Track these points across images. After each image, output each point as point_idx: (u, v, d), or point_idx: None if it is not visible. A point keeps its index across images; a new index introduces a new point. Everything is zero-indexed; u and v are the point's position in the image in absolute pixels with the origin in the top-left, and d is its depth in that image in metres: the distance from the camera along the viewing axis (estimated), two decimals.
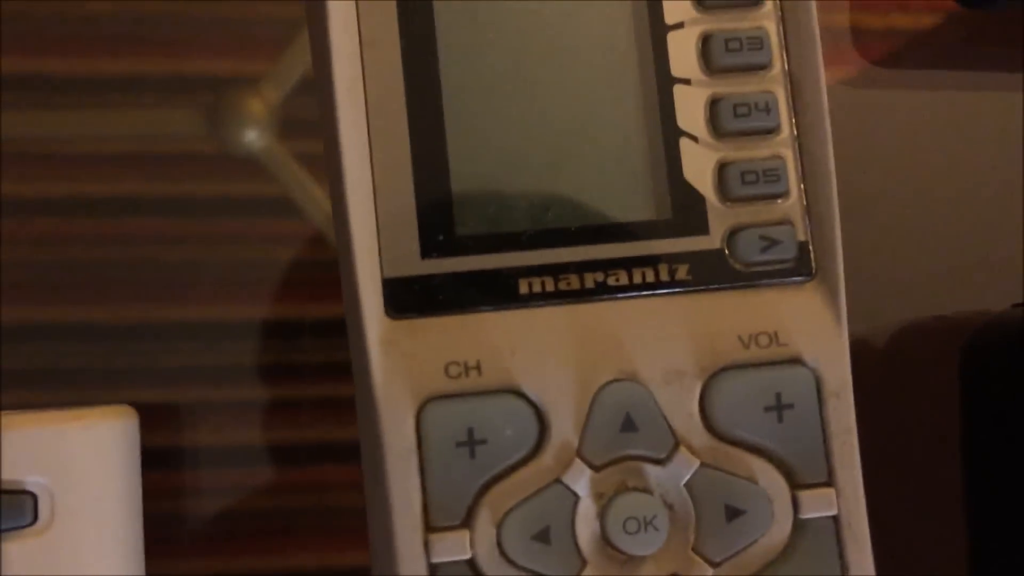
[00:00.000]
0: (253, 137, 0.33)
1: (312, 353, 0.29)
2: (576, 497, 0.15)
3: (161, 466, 0.29)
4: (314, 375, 0.29)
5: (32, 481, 0.15)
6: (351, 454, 0.27)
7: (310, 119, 0.29)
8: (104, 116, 0.31)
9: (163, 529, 0.27)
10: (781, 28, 0.17)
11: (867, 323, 0.28)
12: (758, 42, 0.16)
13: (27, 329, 0.28)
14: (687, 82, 0.16)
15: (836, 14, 0.30)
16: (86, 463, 0.15)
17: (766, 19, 0.16)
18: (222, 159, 0.34)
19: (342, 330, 0.27)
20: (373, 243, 0.16)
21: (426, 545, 0.15)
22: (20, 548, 0.15)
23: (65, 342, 0.29)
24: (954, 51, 0.30)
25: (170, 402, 0.29)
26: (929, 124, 0.30)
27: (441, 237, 0.16)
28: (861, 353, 0.26)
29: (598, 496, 0.15)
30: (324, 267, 0.32)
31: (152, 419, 0.29)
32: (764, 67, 0.16)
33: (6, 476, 0.15)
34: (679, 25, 0.16)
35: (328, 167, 0.16)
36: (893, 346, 0.26)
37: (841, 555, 0.16)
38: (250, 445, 0.29)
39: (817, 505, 0.16)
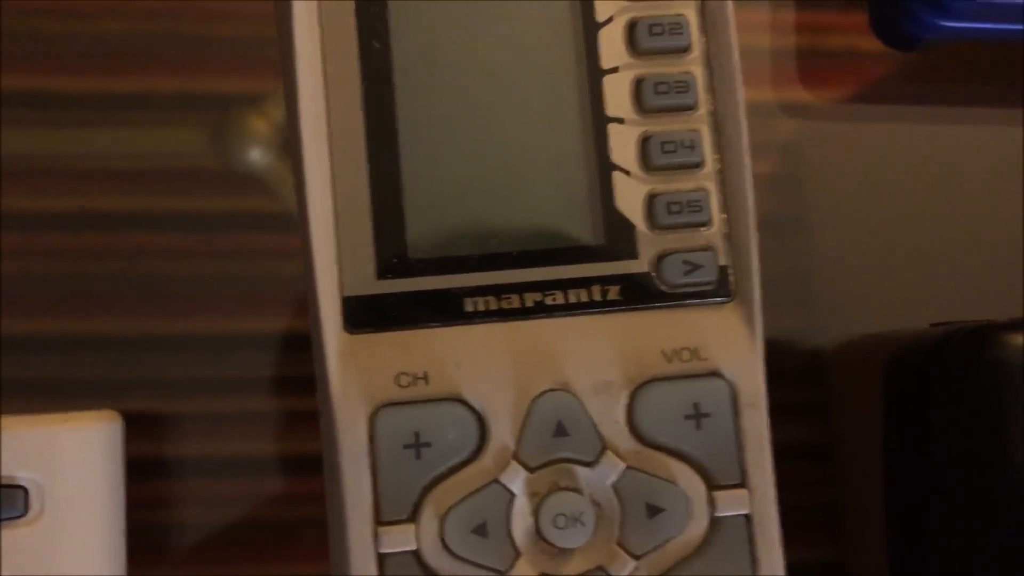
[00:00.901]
0: (257, 155, 0.34)
1: (301, 368, 0.30)
2: (512, 495, 0.17)
3: (165, 475, 0.30)
4: (314, 388, 0.31)
5: (24, 476, 0.17)
6: None
7: None
8: (113, 133, 0.32)
9: (165, 537, 0.29)
10: (707, 72, 0.18)
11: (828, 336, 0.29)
12: (685, 86, 0.18)
13: (35, 340, 0.29)
14: (620, 121, 0.18)
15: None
16: (74, 461, 0.17)
17: (692, 64, 0.18)
18: (226, 176, 0.35)
19: None
20: (333, 264, 0.17)
21: (375, 537, 0.17)
22: (13, 537, 0.17)
23: (72, 353, 0.29)
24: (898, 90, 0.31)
25: (175, 413, 0.30)
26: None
27: (395, 260, 0.17)
28: (814, 363, 0.28)
29: (532, 495, 0.17)
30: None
31: (157, 429, 0.30)
32: (690, 108, 0.18)
33: (2, 472, 0.17)
34: (614, 69, 0.18)
35: (296, 195, 0.18)
36: (838, 360, 0.27)
37: (752, 550, 0.17)
38: (253, 456, 0.30)
39: (731, 504, 0.17)
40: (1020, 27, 0.24)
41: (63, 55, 0.32)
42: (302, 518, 0.30)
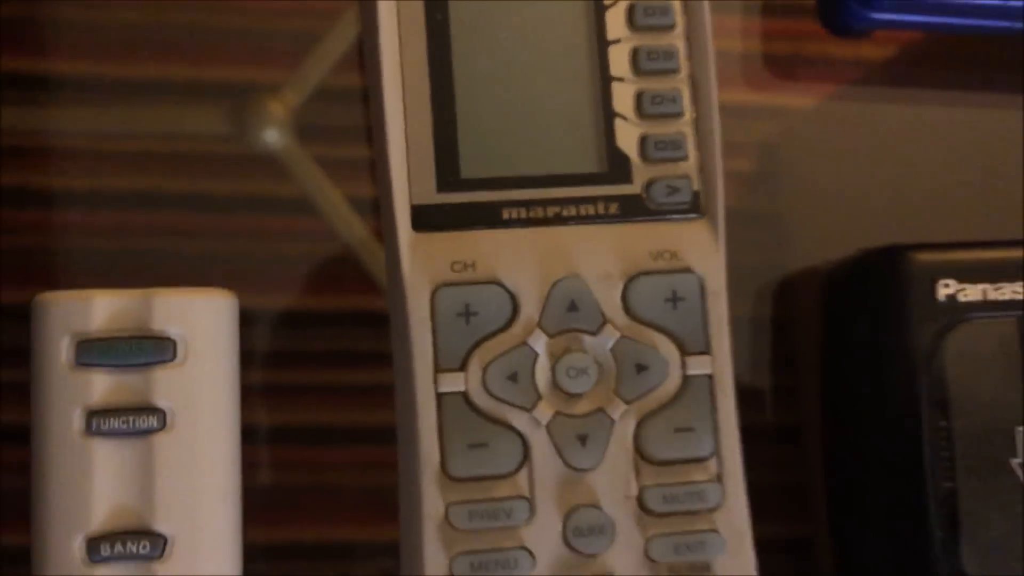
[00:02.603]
0: (274, 136, 0.37)
1: (317, 342, 0.32)
2: (536, 354, 0.23)
3: None
4: (318, 363, 0.32)
5: (173, 331, 0.23)
6: (350, 437, 0.32)
7: (327, 124, 0.36)
8: (133, 115, 0.34)
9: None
10: (687, 45, 0.24)
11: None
12: (670, 54, 0.24)
13: None
14: (621, 79, 0.24)
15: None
16: (208, 320, 0.23)
17: (677, 39, 0.24)
18: (240, 158, 0.37)
19: (346, 321, 0.32)
20: (405, 181, 0.23)
21: (435, 381, 0.22)
22: (165, 377, 0.22)
23: None
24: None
25: None
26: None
27: (451, 178, 0.23)
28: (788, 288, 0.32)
29: (551, 354, 0.23)
30: (333, 262, 0.36)
31: None
32: (674, 71, 0.24)
33: (155, 327, 0.22)
34: (617, 40, 0.24)
35: (374, 132, 0.24)
36: (798, 288, 0.33)
37: (712, 400, 0.23)
38: (257, 426, 0.31)
39: (698, 366, 0.23)
40: (946, 20, 0.30)
41: (86, 42, 0.34)
42: (300, 485, 0.32)
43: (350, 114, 0.36)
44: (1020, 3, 0.29)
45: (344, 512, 0.32)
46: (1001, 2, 0.28)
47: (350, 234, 0.35)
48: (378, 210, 0.29)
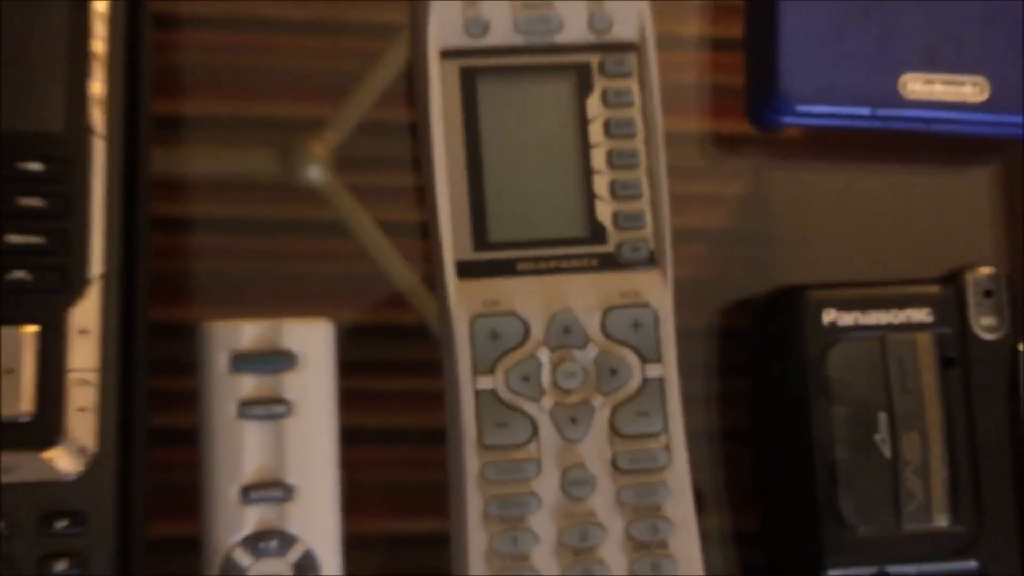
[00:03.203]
0: (316, 173, 0.43)
1: (348, 352, 0.35)
2: (541, 363, 0.33)
3: None
4: (349, 371, 0.35)
5: (295, 348, 0.33)
6: (373, 438, 0.39)
7: (362, 157, 0.42)
8: (195, 152, 0.40)
9: None
10: (645, 148, 0.35)
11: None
12: (634, 154, 0.35)
13: None
14: (599, 172, 0.35)
15: None
16: (317, 340, 0.33)
17: (640, 143, 0.35)
18: (286, 188, 0.43)
19: (376, 334, 0.41)
20: (452, 243, 0.34)
21: (473, 381, 0.33)
22: (290, 379, 0.33)
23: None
24: None
25: None
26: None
27: (482, 241, 0.34)
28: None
29: (552, 363, 0.33)
30: (366, 279, 0.43)
31: None
32: (636, 167, 0.35)
33: (283, 345, 0.33)
34: (596, 145, 0.35)
35: (428, 202, 0.34)
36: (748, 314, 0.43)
37: (663, 393, 0.34)
38: None
39: (653, 371, 0.34)
40: (846, 124, 0.40)
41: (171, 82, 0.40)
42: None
43: (383, 146, 0.43)
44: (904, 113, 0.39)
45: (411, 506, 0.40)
46: (877, 115, 0.39)
47: (381, 257, 0.42)
48: (403, 232, 0.40)
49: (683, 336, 0.35)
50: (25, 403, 0.29)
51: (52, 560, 0.29)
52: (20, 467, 0.29)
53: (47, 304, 0.30)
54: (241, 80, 0.42)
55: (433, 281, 0.36)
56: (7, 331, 0.29)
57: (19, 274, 0.30)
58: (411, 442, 0.39)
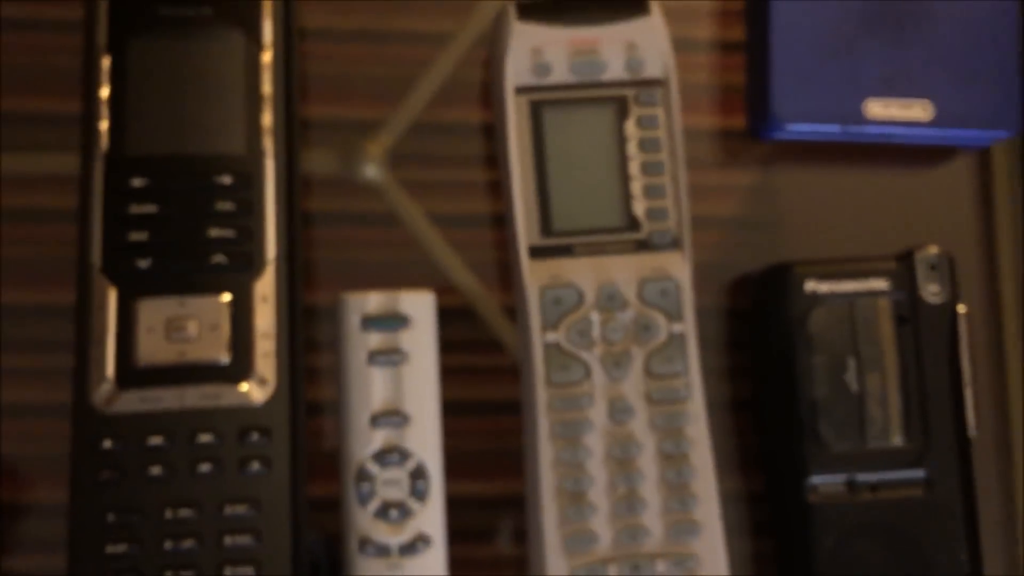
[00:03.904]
0: (372, 171, 0.48)
1: None
2: (592, 322, 0.44)
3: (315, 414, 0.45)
4: None
5: (408, 311, 0.44)
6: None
7: (413, 154, 0.48)
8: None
9: None
10: (670, 159, 0.46)
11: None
12: (660, 165, 0.46)
13: None
14: (635, 178, 0.46)
15: None
16: (424, 307, 0.44)
17: (665, 156, 0.46)
18: (346, 185, 0.48)
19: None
20: (525, 232, 0.45)
21: (543, 336, 0.44)
22: (405, 335, 0.44)
23: None
24: None
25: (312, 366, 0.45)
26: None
27: (547, 229, 0.45)
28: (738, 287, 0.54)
29: (601, 322, 0.44)
30: (417, 265, 0.48)
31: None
32: (662, 173, 0.46)
33: (400, 310, 0.44)
34: (632, 157, 0.46)
35: (505, 198, 0.45)
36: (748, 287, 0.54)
37: (684, 345, 0.45)
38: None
39: (677, 327, 0.45)
40: (822, 138, 0.50)
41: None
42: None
43: (433, 145, 0.49)
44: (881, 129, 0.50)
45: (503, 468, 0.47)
46: (847, 131, 0.49)
47: (431, 245, 0.48)
48: (453, 223, 0.47)
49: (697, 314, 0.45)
50: (224, 350, 0.41)
51: (248, 462, 0.40)
52: (223, 396, 0.40)
53: (238, 280, 0.41)
54: (301, 86, 0.46)
55: (475, 266, 0.47)
56: (211, 299, 0.41)
57: (218, 258, 0.41)
58: (456, 413, 0.45)
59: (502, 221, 0.47)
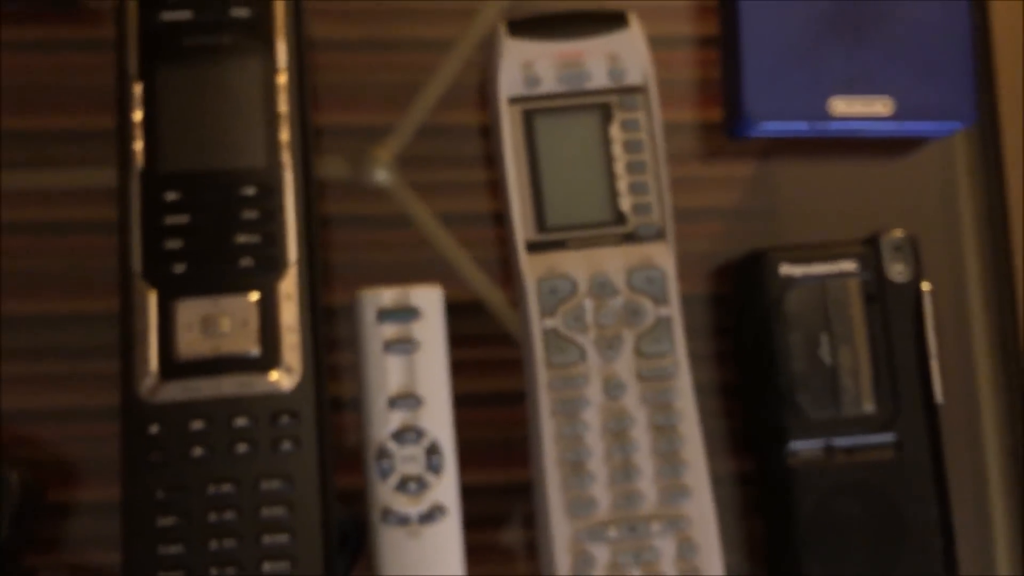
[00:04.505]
0: (382, 175, 0.52)
1: None
2: (586, 308, 0.49)
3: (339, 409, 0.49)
4: None
5: (418, 304, 0.49)
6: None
7: (420, 157, 0.51)
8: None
9: None
10: (652, 158, 0.50)
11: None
12: (643, 165, 0.50)
13: None
14: (620, 176, 0.50)
15: None
16: (433, 300, 0.49)
17: (648, 156, 0.50)
18: (355, 187, 0.51)
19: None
20: (522, 228, 0.49)
21: (541, 322, 0.49)
22: (416, 326, 0.48)
23: None
24: None
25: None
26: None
27: (542, 225, 0.49)
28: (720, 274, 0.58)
29: (594, 308, 0.49)
30: (427, 263, 0.52)
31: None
32: (645, 171, 0.50)
33: (411, 303, 0.49)
34: (617, 159, 0.50)
35: (501, 197, 0.50)
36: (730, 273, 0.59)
37: (670, 327, 0.49)
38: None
39: (664, 311, 0.49)
40: (792, 135, 0.54)
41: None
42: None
43: (440, 148, 0.52)
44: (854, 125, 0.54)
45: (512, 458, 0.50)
46: (814, 128, 0.54)
47: (440, 244, 0.52)
48: (462, 222, 0.51)
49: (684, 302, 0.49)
50: (255, 344, 0.45)
51: (280, 442, 0.45)
52: (254, 384, 0.45)
53: (264, 280, 0.46)
54: (312, 95, 0.49)
55: (483, 262, 0.52)
56: (240, 298, 0.45)
57: (246, 261, 0.45)
58: (467, 404, 0.48)
59: (503, 218, 0.50)
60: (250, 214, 0.45)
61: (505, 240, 0.51)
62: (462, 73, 0.53)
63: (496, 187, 0.52)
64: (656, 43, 0.50)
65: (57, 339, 0.49)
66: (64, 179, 0.50)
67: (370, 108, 0.52)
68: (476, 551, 0.47)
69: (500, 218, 0.52)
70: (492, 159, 0.52)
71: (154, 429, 0.43)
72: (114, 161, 0.45)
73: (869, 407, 0.50)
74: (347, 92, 0.51)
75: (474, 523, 0.47)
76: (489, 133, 0.53)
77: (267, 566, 0.43)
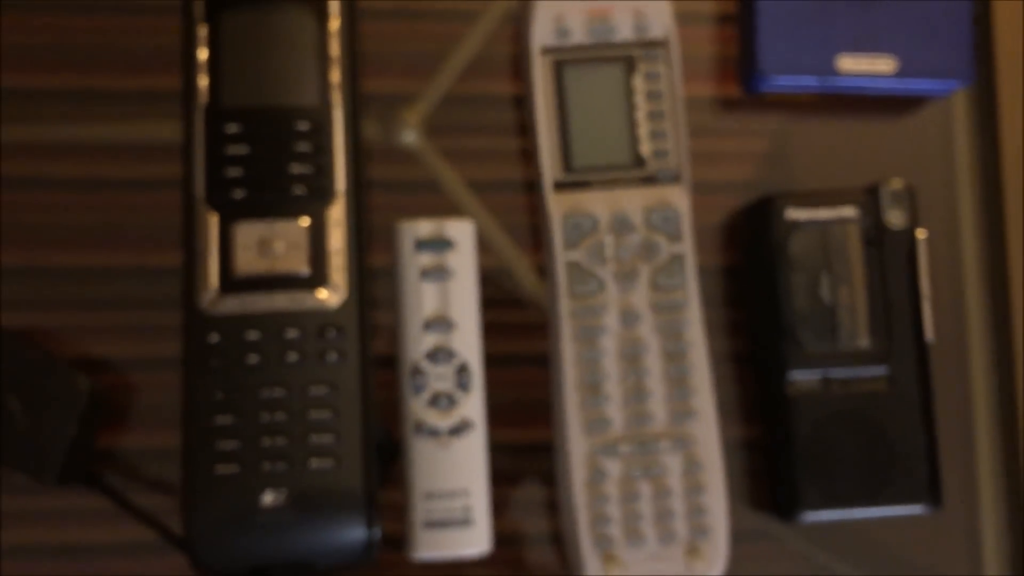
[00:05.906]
0: (411, 137, 0.54)
1: None
2: (606, 244, 0.53)
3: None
4: None
5: (453, 235, 0.53)
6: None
7: (448, 124, 0.55)
8: None
9: None
10: (671, 103, 0.55)
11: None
12: (662, 114, 0.54)
13: None
14: (640, 124, 0.54)
15: None
16: (467, 232, 0.53)
17: (667, 103, 0.54)
18: (385, 152, 0.54)
19: None
20: (550, 169, 0.54)
21: (564, 255, 0.53)
22: (451, 256, 0.53)
23: None
24: None
25: None
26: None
27: (568, 166, 0.54)
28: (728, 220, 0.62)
29: (614, 243, 0.53)
30: None
31: None
32: (664, 117, 0.54)
33: (445, 234, 0.53)
34: (638, 107, 0.54)
35: (531, 140, 0.54)
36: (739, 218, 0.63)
37: (683, 263, 0.54)
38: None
39: (677, 248, 0.54)
40: (802, 90, 0.59)
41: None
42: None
43: (467, 114, 0.55)
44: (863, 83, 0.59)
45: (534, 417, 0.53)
46: (823, 83, 0.58)
47: (466, 207, 0.55)
48: (487, 188, 0.55)
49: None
50: (305, 264, 0.50)
51: (327, 353, 0.49)
52: (304, 300, 0.49)
53: (315, 207, 0.50)
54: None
55: (509, 227, 0.55)
56: (293, 223, 0.50)
57: (299, 189, 0.50)
58: (491, 365, 0.50)
59: (531, 186, 0.55)
60: (303, 147, 0.50)
61: (532, 208, 0.55)
62: (487, 44, 0.56)
63: (522, 153, 0.56)
64: (678, 19, 0.54)
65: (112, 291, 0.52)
66: (114, 132, 0.53)
67: (399, 75, 0.55)
68: (495, 507, 0.50)
69: (525, 186, 0.56)
70: (518, 126, 0.56)
71: (214, 338, 0.48)
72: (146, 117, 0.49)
73: (864, 342, 0.55)
74: (378, 60, 0.55)
75: (494, 480, 0.49)
76: (514, 101, 0.56)
77: (313, 462, 0.47)
